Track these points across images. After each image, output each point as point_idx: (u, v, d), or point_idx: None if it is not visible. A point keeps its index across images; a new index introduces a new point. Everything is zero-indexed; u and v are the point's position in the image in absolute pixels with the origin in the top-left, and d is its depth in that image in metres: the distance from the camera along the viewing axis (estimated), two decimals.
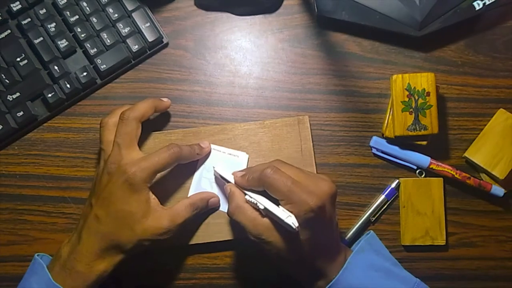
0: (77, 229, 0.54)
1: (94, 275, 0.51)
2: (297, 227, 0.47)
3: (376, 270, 0.53)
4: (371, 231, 0.59)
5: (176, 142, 0.59)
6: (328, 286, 0.51)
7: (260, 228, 0.50)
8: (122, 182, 0.51)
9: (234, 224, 0.57)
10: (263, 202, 0.50)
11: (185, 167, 0.58)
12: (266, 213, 0.50)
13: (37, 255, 0.55)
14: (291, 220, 0.47)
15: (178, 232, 0.53)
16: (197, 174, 0.59)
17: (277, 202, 0.50)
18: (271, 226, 0.50)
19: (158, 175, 0.54)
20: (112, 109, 0.57)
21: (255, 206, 0.51)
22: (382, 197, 0.61)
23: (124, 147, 0.53)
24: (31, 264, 0.55)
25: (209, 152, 0.59)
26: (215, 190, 0.58)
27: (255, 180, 0.51)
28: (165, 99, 0.59)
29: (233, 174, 0.54)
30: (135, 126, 0.54)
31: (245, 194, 0.52)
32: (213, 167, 0.58)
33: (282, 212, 0.48)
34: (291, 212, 0.48)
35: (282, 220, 0.47)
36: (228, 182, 0.55)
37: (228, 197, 0.53)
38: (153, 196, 0.53)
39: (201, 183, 0.59)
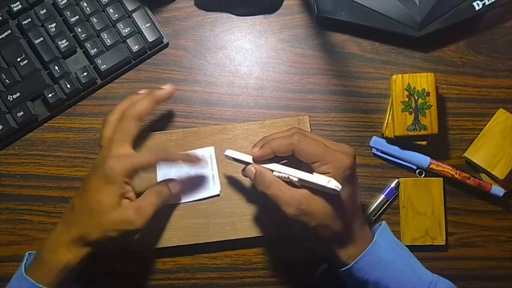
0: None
1: (59, 265, 0.51)
2: (340, 188, 0.47)
3: (401, 249, 0.55)
4: (384, 222, 0.59)
5: (176, 142, 0.59)
6: (360, 256, 0.51)
7: (298, 198, 0.49)
8: (100, 172, 0.52)
9: (259, 220, 0.57)
10: (296, 174, 0.49)
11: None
12: (301, 183, 0.50)
13: (28, 254, 0.55)
14: (334, 184, 0.47)
15: (148, 225, 0.53)
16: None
17: (307, 170, 0.49)
18: (310, 195, 0.50)
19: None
20: (114, 106, 0.57)
21: (287, 180, 0.50)
22: (382, 196, 0.61)
23: (116, 143, 0.53)
24: None
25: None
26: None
27: (283, 145, 0.50)
28: (166, 86, 0.57)
29: (248, 153, 0.52)
30: (134, 124, 0.54)
31: (272, 170, 0.51)
32: (223, 153, 0.54)
33: (321, 178, 0.48)
34: (329, 172, 0.48)
35: (324, 186, 0.47)
36: (247, 163, 0.52)
37: (257, 177, 0.51)
38: (131, 193, 0.53)
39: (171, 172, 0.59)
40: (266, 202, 0.51)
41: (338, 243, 0.52)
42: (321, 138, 0.52)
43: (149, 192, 0.54)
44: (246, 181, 0.59)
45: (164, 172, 0.59)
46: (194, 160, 0.57)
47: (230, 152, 0.53)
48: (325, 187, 0.47)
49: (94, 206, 0.52)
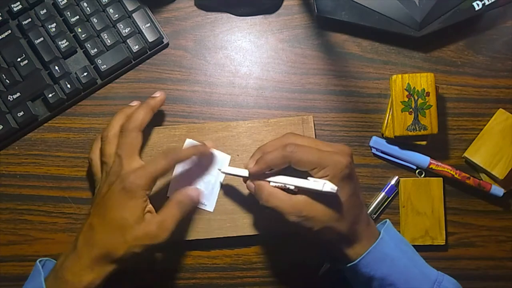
0: (74, 239, 0.54)
1: (81, 286, 0.50)
2: (337, 189, 0.47)
3: (406, 246, 0.56)
4: (388, 220, 0.59)
5: (180, 137, 0.59)
6: (366, 251, 0.52)
7: (298, 206, 0.50)
8: (120, 189, 0.51)
9: (260, 218, 0.57)
10: (291, 182, 0.50)
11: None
12: (297, 190, 0.50)
13: (39, 261, 0.55)
14: (329, 186, 0.47)
15: (173, 235, 0.53)
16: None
17: (301, 176, 0.50)
18: (309, 200, 0.50)
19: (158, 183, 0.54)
20: (110, 121, 0.57)
21: (284, 188, 0.51)
22: (383, 194, 0.61)
23: (125, 157, 0.53)
24: (32, 270, 0.54)
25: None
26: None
27: (278, 159, 0.50)
28: (157, 94, 0.59)
29: (245, 167, 0.53)
30: (135, 136, 0.55)
31: (269, 182, 0.52)
32: (219, 169, 0.57)
33: (315, 183, 0.48)
34: (327, 176, 0.49)
35: (320, 190, 0.47)
36: (243, 177, 0.54)
37: (256, 191, 0.52)
38: (150, 206, 0.53)
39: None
40: None
41: (345, 242, 0.52)
42: (314, 141, 0.52)
43: (169, 204, 0.54)
44: None
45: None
46: (205, 150, 0.57)
47: (226, 169, 0.55)
48: (321, 191, 0.48)
49: (119, 222, 0.51)
